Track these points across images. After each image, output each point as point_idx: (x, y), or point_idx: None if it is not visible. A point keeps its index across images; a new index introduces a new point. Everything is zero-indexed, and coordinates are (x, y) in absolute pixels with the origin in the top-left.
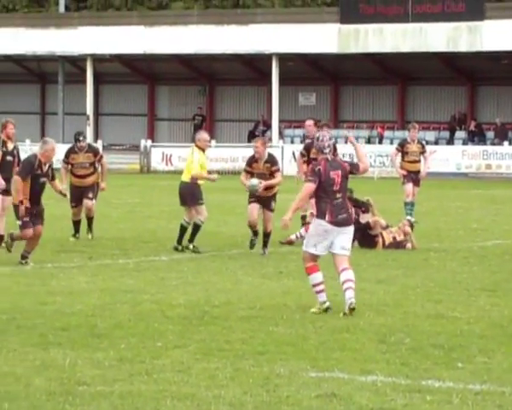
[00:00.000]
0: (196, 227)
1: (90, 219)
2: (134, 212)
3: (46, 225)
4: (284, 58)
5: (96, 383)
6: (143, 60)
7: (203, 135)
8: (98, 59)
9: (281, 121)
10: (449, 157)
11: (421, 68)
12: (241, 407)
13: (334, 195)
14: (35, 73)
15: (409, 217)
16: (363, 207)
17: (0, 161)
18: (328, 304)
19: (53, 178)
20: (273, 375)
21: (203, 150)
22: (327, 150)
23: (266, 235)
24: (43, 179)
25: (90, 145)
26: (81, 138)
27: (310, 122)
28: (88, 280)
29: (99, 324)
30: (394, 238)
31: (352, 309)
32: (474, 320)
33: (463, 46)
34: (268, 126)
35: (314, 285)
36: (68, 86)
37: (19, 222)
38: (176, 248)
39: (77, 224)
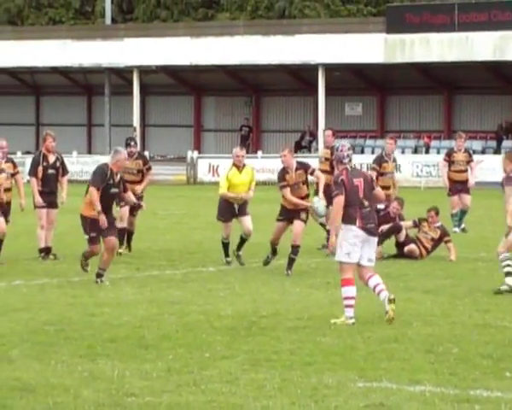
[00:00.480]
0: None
1: (130, 234)
2: (181, 223)
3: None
4: (330, 68)
5: (144, 394)
6: (189, 71)
7: (234, 149)
8: (144, 70)
9: None
10: (496, 166)
11: (467, 77)
12: None
13: (361, 202)
14: (81, 84)
15: (456, 228)
16: (394, 230)
17: (42, 175)
18: (353, 321)
19: (125, 190)
20: (321, 385)
21: (237, 166)
22: (346, 160)
23: (294, 251)
24: (114, 190)
25: (139, 153)
26: (132, 143)
27: (329, 132)
28: (135, 291)
29: (147, 335)
30: (433, 239)
31: (391, 300)
32: None
33: (510, 55)
34: (314, 137)
35: (346, 298)
36: (115, 98)
37: (86, 236)
38: (227, 262)
39: (122, 231)
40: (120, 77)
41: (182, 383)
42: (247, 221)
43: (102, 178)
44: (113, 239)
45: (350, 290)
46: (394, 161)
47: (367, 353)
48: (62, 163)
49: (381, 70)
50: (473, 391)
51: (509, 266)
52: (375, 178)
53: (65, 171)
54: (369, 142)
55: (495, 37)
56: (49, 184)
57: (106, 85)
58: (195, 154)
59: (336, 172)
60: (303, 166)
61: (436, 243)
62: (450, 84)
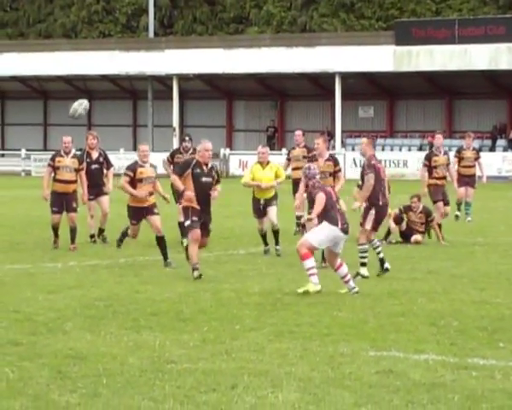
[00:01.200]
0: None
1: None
2: (215, 212)
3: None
4: (346, 76)
5: (182, 361)
6: (222, 78)
7: (258, 147)
8: (183, 78)
9: (343, 132)
10: (491, 162)
11: (466, 84)
12: (309, 382)
13: (336, 204)
14: (128, 90)
15: (457, 212)
16: (396, 223)
17: (86, 170)
18: (319, 286)
19: (217, 181)
20: (337, 354)
21: (260, 163)
22: (318, 176)
23: None
24: (205, 179)
25: (194, 149)
26: (187, 139)
27: (299, 132)
28: (175, 271)
29: (185, 309)
30: (422, 223)
31: (357, 292)
32: None
33: (503, 64)
34: (332, 136)
35: (309, 268)
36: (157, 102)
37: (187, 222)
38: (264, 252)
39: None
40: (162, 84)
41: (215, 351)
42: (272, 211)
43: (184, 167)
44: (205, 240)
45: (311, 261)
46: (446, 153)
47: (377, 326)
48: (106, 158)
49: (391, 78)
50: (470, 359)
51: (364, 257)
52: (426, 174)
53: (109, 165)
54: (380, 141)
55: (490, 49)
56: (94, 178)
57: (149, 91)
58: (228, 151)
59: (312, 182)
60: (334, 160)
61: (426, 224)
62: (451, 90)
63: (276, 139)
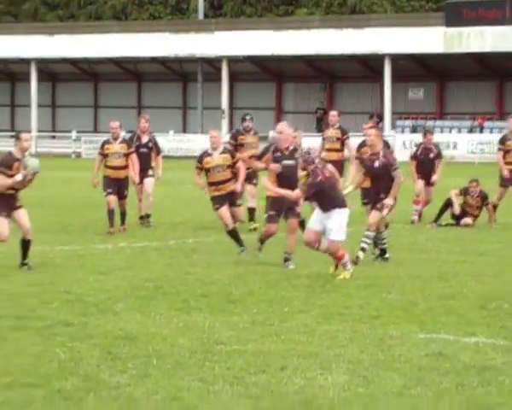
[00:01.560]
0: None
1: (252, 210)
2: (262, 193)
3: (188, 207)
4: (395, 58)
5: (231, 342)
6: (272, 60)
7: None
8: (232, 60)
9: (393, 113)
10: None
11: None
12: (359, 365)
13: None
14: (177, 72)
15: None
16: (448, 205)
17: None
18: (352, 269)
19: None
20: (387, 336)
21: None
22: (317, 160)
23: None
24: (286, 162)
25: (255, 130)
26: (247, 118)
27: (334, 113)
28: (224, 254)
29: (234, 291)
30: (478, 207)
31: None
32: None
33: None
34: (381, 118)
35: (345, 262)
36: (206, 84)
37: (265, 215)
38: None
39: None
40: (211, 66)
41: (264, 333)
42: None
43: (263, 152)
44: (294, 221)
45: (347, 256)
46: None
47: (427, 308)
48: (155, 143)
49: (441, 59)
50: None
51: (368, 243)
52: (501, 156)
53: (158, 150)
54: (430, 123)
55: None
56: (141, 162)
57: (198, 73)
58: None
59: (311, 168)
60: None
61: (480, 208)
62: (502, 71)
63: (324, 121)
